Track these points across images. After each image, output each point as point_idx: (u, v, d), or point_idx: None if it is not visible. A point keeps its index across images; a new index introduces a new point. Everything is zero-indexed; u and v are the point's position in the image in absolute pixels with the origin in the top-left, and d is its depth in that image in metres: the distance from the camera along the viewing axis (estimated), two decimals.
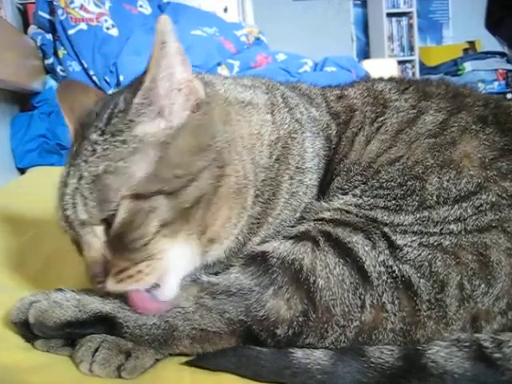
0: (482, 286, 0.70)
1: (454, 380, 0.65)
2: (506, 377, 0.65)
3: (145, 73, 0.72)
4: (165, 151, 0.70)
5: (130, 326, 0.70)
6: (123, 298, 0.72)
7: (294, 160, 0.86)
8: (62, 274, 0.95)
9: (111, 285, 0.70)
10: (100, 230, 0.70)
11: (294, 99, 0.94)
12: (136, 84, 0.73)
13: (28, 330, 0.72)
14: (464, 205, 0.74)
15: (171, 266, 0.72)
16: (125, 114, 0.71)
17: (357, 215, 0.76)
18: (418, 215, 0.74)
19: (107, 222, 0.69)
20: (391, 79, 1.01)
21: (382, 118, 0.88)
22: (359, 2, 6.08)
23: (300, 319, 0.69)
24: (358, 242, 0.72)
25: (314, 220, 0.78)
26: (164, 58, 0.71)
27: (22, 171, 2.17)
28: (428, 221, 0.74)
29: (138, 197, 0.68)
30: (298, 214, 0.85)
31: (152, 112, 0.72)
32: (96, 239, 0.70)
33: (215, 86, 0.85)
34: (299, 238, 0.74)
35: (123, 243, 0.69)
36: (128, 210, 0.68)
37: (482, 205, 0.74)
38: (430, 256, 0.71)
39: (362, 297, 0.69)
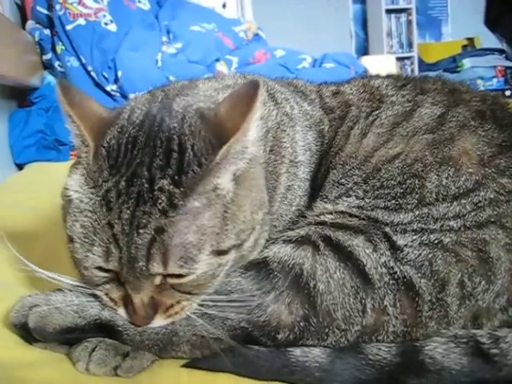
0: (483, 282, 0.70)
1: (452, 376, 0.65)
2: (503, 372, 0.65)
3: (210, 118, 0.68)
4: (232, 207, 0.68)
5: (130, 334, 0.70)
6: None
7: (287, 152, 0.86)
8: (60, 269, 0.94)
9: (159, 322, 0.68)
10: (159, 277, 0.66)
11: (284, 94, 0.94)
12: (194, 122, 0.69)
13: (28, 332, 0.71)
14: (463, 201, 0.74)
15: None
16: (205, 170, 0.66)
17: (359, 217, 0.76)
18: (417, 212, 0.74)
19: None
20: (388, 76, 1.01)
21: (377, 112, 0.89)
22: None
23: (301, 324, 0.69)
24: (358, 245, 0.72)
25: (315, 223, 0.78)
26: (250, 123, 0.67)
27: (20, 167, 2.16)
28: (428, 217, 0.74)
29: (219, 253, 0.67)
30: (293, 208, 0.85)
31: (223, 169, 0.68)
32: (150, 285, 0.66)
33: None
34: (300, 242, 0.74)
35: (183, 288, 0.67)
36: (208, 266, 0.66)
37: (480, 201, 0.74)
38: (430, 255, 0.71)
39: (363, 301, 0.69)
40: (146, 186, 0.64)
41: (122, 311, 0.69)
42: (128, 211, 0.64)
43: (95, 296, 0.71)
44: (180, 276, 0.66)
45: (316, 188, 0.87)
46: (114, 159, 0.67)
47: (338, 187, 0.83)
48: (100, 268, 0.67)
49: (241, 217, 0.69)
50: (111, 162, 0.67)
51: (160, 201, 0.64)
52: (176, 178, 0.65)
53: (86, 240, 0.66)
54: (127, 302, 0.67)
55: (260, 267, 0.72)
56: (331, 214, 0.78)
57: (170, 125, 0.69)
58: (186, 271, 0.65)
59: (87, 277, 0.69)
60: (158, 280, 0.66)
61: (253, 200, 0.72)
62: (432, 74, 1.05)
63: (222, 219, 0.66)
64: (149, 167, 0.65)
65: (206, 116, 0.69)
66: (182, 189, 0.64)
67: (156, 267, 0.64)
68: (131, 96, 2.19)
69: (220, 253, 0.67)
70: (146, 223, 0.63)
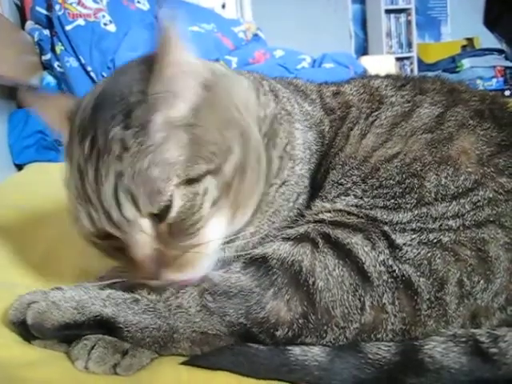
0: (481, 282, 0.70)
1: (451, 375, 0.65)
2: (502, 371, 0.65)
3: (149, 60, 0.71)
4: (196, 132, 0.69)
5: (132, 330, 0.70)
6: (125, 297, 0.72)
7: (282, 142, 0.87)
8: (60, 269, 0.95)
9: (170, 275, 0.69)
10: (149, 225, 0.67)
11: (285, 93, 0.95)
12: (138, 71, 0.73)
13: (26, 330, 0.71)
14: (462, 201, 0.74)
15: (215, 243, 0.73)
16: (145, 104, 0.68)
17: (357, 216, 0.76)
18: (416, 212, 0.74)
19: (156, 216, 0.67)
20: (388, 76, 1.01)
21: (376, 113, 0.89)
22: None
23: (300, 321, 0.69)
24: (357, 243, 0.72)
25: (314, 221, 0.78)
26: (167, 46, 0.70)
27: (19, 167, 2.16)
28: (427, 217, 0.74)
29: (190, 182, 0.67)
30: (291, 204, 0.85)
31: (169, 98, 0.70)
32: (146, 236, 0.67)
33: (213, 66, 0.86)
34: (299, 239, 0.74)
35: (177, 232, 0.68)
36: (183, 197, 0.67)
37: (479, 201, 0.74)
38: (429, 254, 0.71)
39: (362, 298, 0.69)
40: (102, 140, 0.68)
41: (134, 273, 0.70)
42: (91, 171, 0.67)
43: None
44: (163, 218, 0.67)
45: (316, 188, 0.87)
46: (75, 128, 0.72)
47: (337, 187, 0.83)
48: (98, 236, 0.70)
49: (207, 139, 0.70)
50: (73, 130, 0.73)
51: (114, 148, 0.66)
52: (125, 121, 0.67)
53: (75, 212, 0.70)
54: (133, 262, 0.69)
55: (259, 264, 0.72)
56: (329, 212, 0.78)
57: (124, 80, 0.73)
58: (159, 206, 0.66)
59: (98, 251, 0.74)
60: (149, 228, 0.67)
61: (219, 120, 0.73)
62: (431, 74, 1.05)
63: (184, 147, 0.68)
64: (104, 122, 0.69)
65: (145, 61, 0.73)
66: (130, 130, 0.67)
67: (129, 211, 0.66)
68: None
69: (190, 181, 0.67)
70: (106, 174, 0.66)
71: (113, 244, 0.71)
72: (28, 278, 0.93)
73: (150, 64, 0.70)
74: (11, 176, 1.94)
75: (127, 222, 0.66)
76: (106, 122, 0.69)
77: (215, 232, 0.72)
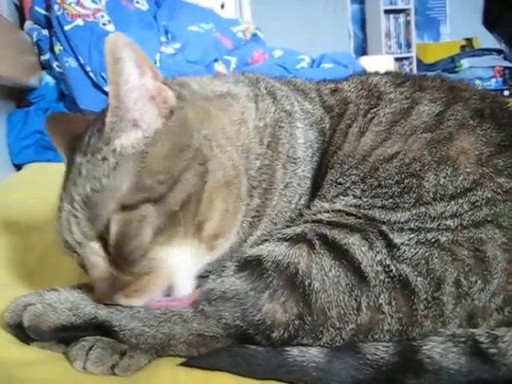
0: (479, 282, 0.70)
1: (450, 376, 0.65)
2: (502, 372, 0.65)
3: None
4: (144, 160, 0.71)
5: (126, 335, 0.70)
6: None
7: (284, 148, 0.86)
8: (57, 271, 0.94)
9: (121, 300, 0.70)
10: (98, 247, 0.71)
11: (284, 92, 0.94)
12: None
13: (23, 332, 0.71)
14: (460, 201, 0.74)
15: (176, 271, 0.73)
16: (100, 132, 0.73)
17: (355, 216, 0.76)
18: (414, 211, 0.74)
19: (104, 239, 0.71)
20: (387, 73, 1.00)
21: (375, 110, 0.88)
22: None
23: (296, 322, 0.69)
24: (354, 243, 0.72)
25: (312, 221, 0.77)
26: (121, 74, 0.71)
27: (18, 167, 2.15)
28: (425, 216, 0.74)
29: (125, 208, 0.69)
30: (293, 206, 0.85)
31: (125, 126, 0.73)
32: (97, 257, 0.71)
33: (191, 86, 0.85)
34: (295, 240, 0.74)
35: (123, 257, 0.70)
36: (119, 222, 0.69)
37: (477, 201, 0.74)
38: (426, 253, 0.71)
39: (358, 299, 0.69)
40: (71, 165, 0.75)
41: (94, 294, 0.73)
42: (60, 195, 0.75)
43: None
44: (107, 241, 0.70)
45: (316, 187, 0.86)
46: (67, 163, 0.78)
47: (336, 187, 0.82)
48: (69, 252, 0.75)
49: (154, 169, 0.71)
50: (67, 167, 0.78)
51: (74, 173, 0.73)
52: (84, 149, 0.74)
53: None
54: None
55: (254, 266, 0.72)
56: (328, 212, 0.78)
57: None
58: (98, 230, 0.70)
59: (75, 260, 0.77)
60: (98, 250, 0.71)
61: (172, 148, 0.73)
62: (430, 74, 1.05)
63: (128, 175, 0.70)
64: (78, 149, 0.76)
65: None
66: (86, 157, 0.73)
67: (77, 234, 0.71)
68: None
69: (126, 208, 0.69)
70: (66, 198, 0.72)
71: (79, 261, 0.75)
72: (25, 279, 0.92)
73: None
74: (10, 176, 1.94)
75: (79, 244, 0.72)
76: (77, 151, 0.75)
77: (175, 260, 0.72)
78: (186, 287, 0.73)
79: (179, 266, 0.73)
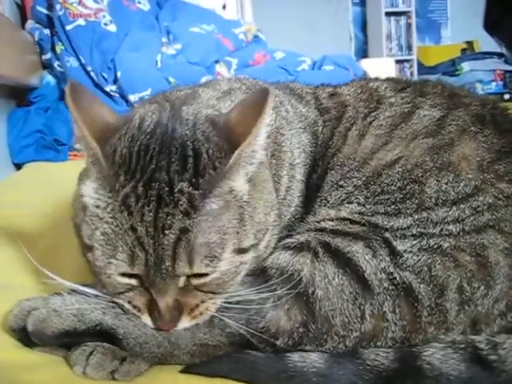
0: (482, 288, 0.70)
1: (450, 382, 0.65)
2: (501, 378, 0.65)
3: (218, 123, 0.71)
4: (246, 209, 0.70)
5: (131, 344, 0.70)
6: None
7: (287, 156, 0.87)
8: (59, 268, 0.94)
9: (184, 323, 0.69)
10: (184, 279, 0.67)
11: (278, 97, 0.94)
12: (207, 129, 0.71)
13: (26, 336, 0.71)
14: (462, 206, 0.74)
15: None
16: (220, 172, 0.67)
17: (359, 223, 0.76)
18: (416, 216, 0.75)
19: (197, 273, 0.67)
20: (388, 79, 1.01)
21: (375, 113, 0.89)
22: (358, 1, 6.07)
23: (300, 330, 0.69)
24: (358, 251, 0.72)
25: (315, 230, 0.78)
26: (260, 129, 0.68)
27: (18, 166, 2.15)
28: (427, 222, 0.74)
29: (239, 251, 0.68)
30: (292, 209, 0.86)
31: (237, 170, 0.69)
32: (175, 286, 0.67)
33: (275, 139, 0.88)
34: (299, 249, 0.74)
35: (205, 289, 0.68)
36: (231, 263, 0.67)
37: (479, 206, 0.74)
38: (429, 260, 0.71)
39: (362, 307, 0.69)
40: (166, 189, 0.65)
41: (146, 318, 0.69)
42: (150, 214, 0.64)
43: (116, 304, 0.71)
44: (203, 275, 0.66)
45: (311, 188, 0.87)
46: (127, 165, 0.67)
47: (337, 189, 0.83)
48: (124, 274, 0.66)
49: (256, 217, 0.71)
50: (125, 168, 0.67)
51: (181, 202, 0.64)
52: (193, 180, 0.66)
53: (109, 247, 0.65)
54: (152, 307, 0.68)
55: (258, 273, 0.73)
56: (332, 220, 0.78)
57: (183, 132, 0.70)
58: (211, 269, 0.66)
59: (109, 285, 0.69)
60: (182, 281, 0.66)
61: (265, 202, 0.74)
62: (431, 77, 1.06)
63: (241, 220, 0.68)
64: (167, 171, 0.66)
65: (216, 122, 0.71)
66: (200, 191, 0.65)
67: (182, 267, 0.64)
68: (130, 98, 2.20)
69: (241, 251, 0.68)
70: (171, 224, 0.64)
71: (134, 284, 0.68)
72: (26, 279, 0.92)
73: (224, 130, 0.69)
74: (10, 175, 1.94)
75: (172, 275, 0.65)
76: (169, 172, 0.66)
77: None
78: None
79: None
